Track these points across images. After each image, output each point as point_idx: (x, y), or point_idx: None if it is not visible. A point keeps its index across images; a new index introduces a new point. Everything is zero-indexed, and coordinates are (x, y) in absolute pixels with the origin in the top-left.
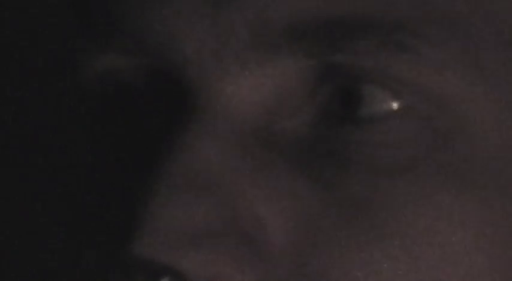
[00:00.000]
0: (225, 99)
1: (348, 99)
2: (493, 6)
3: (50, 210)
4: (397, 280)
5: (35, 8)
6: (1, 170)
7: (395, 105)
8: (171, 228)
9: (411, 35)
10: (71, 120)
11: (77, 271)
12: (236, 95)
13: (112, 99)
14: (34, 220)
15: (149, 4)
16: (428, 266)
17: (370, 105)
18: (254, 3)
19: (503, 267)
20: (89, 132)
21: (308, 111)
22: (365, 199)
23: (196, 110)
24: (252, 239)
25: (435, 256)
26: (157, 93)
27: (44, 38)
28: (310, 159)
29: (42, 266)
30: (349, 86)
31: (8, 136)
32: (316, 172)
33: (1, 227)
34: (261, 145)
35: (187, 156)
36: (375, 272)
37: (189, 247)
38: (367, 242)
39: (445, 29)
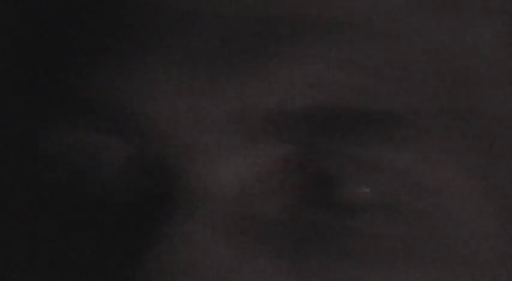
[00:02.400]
0: (205, 183)
1: (327, 184)
2: (483, 104)
3: None
4: None
5: None
6: None
7: (378, 193)
8: None
9: (400, 125)
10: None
11: None
12: (215, 179)
13: (79, 177)
14: None
15: (128, 85)
16: None
17: (350, 192)
18: (234, 91)
19: None
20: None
21: (287, 195)
22: None
23: (178, 195)
24: None
25: None
26: (131, 172)
27: None
28: (292, 247)
29: None
30: (329, 171)
31: None
32: (299, 260)
33: None
34: (242, 230)
35: (172, 242)
36: None
37: None
38: None
39: (437, 120)
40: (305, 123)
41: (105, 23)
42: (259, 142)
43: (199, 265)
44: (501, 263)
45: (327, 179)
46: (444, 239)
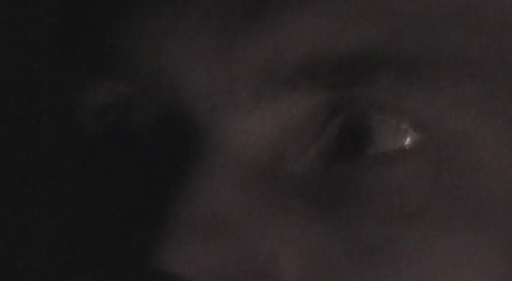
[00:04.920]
0: (237, 136)
1: (359, 134)
2: (509, 49)
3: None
4: None
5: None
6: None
7: (408, 142)
8: (189, 274)
9: (430, 69)
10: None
11: None
12: (249, 132)
13: (110, 135)
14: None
15: (160, 36)
16: None
17: (382, 142)
18: (270, 39)
19: None
20: (84, 166)
21: (319, 147)
22: (379, 244)
23: (209, 149)
24: (268, 277)
25: None
26: (163, 128)
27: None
28: (322, 198)
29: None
30: (360, 122)
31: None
32: (329, 212)
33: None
34: (274, 182)
35: (202, 198)
36: None
37: None
38: None
39: (463, 66)
40: (336, 72)
41: None
42: (292, 91)
43: (227, 221)
44: None
45: (359, 129)
46: (475, 194)
